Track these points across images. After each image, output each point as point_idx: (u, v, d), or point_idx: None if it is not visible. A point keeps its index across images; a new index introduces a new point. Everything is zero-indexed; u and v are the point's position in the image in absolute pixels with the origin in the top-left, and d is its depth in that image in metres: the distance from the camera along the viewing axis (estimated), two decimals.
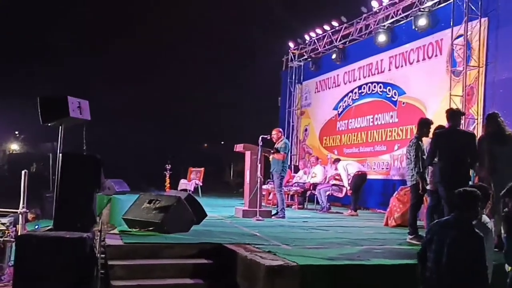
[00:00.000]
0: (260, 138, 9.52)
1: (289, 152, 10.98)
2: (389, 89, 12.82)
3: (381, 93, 13.15)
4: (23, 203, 7.75)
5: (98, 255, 6.60)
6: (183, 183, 15.52)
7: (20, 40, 28.77)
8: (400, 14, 12.65)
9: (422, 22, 11.27)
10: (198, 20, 31.41)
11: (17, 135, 31.41)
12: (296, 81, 17.84)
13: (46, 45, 29.98)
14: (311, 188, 12.46)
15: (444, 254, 3.84)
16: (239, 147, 10.06)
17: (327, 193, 11.65)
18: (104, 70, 30.06)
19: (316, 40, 16.56)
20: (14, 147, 31.18)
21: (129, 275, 5.48)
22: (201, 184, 15.60)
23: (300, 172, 13.79)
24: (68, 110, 6.69)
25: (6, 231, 7.69)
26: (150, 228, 6.78)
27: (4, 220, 7.96)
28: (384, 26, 12.95)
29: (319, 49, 16.39)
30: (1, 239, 7.53)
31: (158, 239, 6.30)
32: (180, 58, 32.96)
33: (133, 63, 31.33)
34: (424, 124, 7.43)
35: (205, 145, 41.28)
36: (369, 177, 11.91)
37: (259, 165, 9.42)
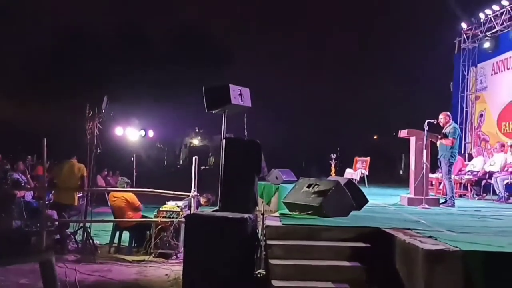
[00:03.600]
0: (426, 123, 8.98)
1: (460, 138, 10.19)
2: None
3: None
4: (195, 187, 8.37)
5: (262, 237, 6.86)
6: (348, 173, 15.36)
7: (198, 42, 31.02)
8: None
9: None
10: (363, 9, 30.89)
11: (197, 131, 34.01)
12: (470, 64, 16.54)
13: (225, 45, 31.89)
14: (487, 177, 11.43)
15: None
16: (403, 133, 9.61)
17: (505, 181, 10.58)
18: (275, 64, 31.10)
19: (492, 18, 15.18)
20: (195, 141, 33.82)
21: (286, 255, 5.56)
22: (367, 174, 15.28)
23: (474, 160, 12.74)
24: (230, 97, 7.04)
25: (181, 213, 8.38)
26: (309, 212, 6.81)
27: (180, 203, 8.69)
28: None
29: (496, 27, 15.00)
30: (176, 220, 8.22)
31: (316, 221, 6.30)
32: (347, 48, 32.72)
33: (304, 54, 31.95)
34: None
35: (375, 136, 40.36)
36: None
37: (424, 151, 8.90)
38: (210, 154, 28.34)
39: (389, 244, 5.33)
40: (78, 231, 8.55)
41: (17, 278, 6.35)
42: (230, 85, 7.11)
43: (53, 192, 9.30)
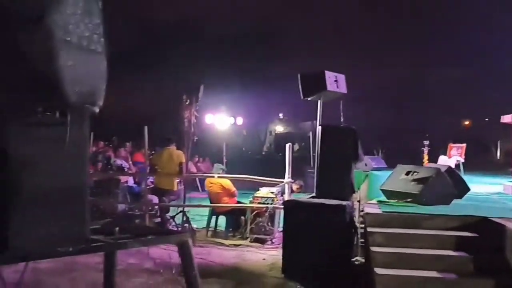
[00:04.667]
0: None
1: None
2: None
3: None
4: (289, 174, 8.44)
5: (358, 224, 6.82)
6: (442, 160, 14.81)
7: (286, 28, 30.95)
8: None
9: None
10: None
11: (281, 117, 34.11)
12: None
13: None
14: None
15: None
16: (506, 118, 9.14)
17: None
18: (358, 47, 30.46)
19: None
20: (279, 128, 33.96)
21: (387, 242, 5.49)
22: (463, 161, 14.67)
23: None
24: (325, 84, 7.01)
25: (275, 199, 8.50)
26: (408, 200, 6.67)
27: (273, 189, 8.80)
28: None
29: None
30: (271, 206, 8.35)
31: (417, 209, 6.16)
32: (433, 29, 31.36)
33: (387, 38, 31.05)
34: None
35: (467, 122, 38.65)
36: None
37: None
38: (294, 141, 28.40)
39: (498, 234, 5.13)
40: (177, 215, 8.91)
41: (126, 258, 6.73)
42: (325, 71, 7.07)
43: (152, 177, 9.75)
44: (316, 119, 7.62)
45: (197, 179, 15.19)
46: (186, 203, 9.05)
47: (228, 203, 8.89)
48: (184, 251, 2.24)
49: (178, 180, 9.76)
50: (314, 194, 7.05)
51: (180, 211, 8.78)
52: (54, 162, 1.99)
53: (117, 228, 2.47)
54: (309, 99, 7.34)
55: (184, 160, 9.07)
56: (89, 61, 2.05)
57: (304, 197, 7.65)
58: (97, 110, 2.07)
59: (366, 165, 13.59)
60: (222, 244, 8.17)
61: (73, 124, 2.04)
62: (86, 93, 1.99)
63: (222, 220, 9.13)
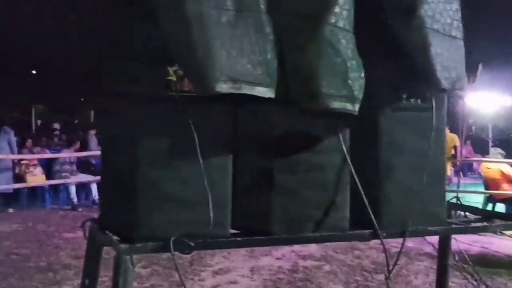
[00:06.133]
0: None
1: None
2: None
3: None
4: None
5: None
6: None
7: None
8: None
9: None
10: None
11: None
12: None
13: None
14: None
15: None
16: None
17: None
18: None
19: None
20: None
21: None
22: None
23: None
24: None
25: None
26: None
27: None
28: None
29: None
30: None
31: None
32: None
33: None
34: None
35: None
36: None
37: None
38: None
39: None
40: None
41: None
42: None
43: None
44: None
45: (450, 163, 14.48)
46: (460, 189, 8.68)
47: (508, 190, 8.27)
48: None
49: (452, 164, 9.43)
50: None
51: (454, 197, 8.45)
52: (420, 147, 2.10)
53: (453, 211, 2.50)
54: None
55: (458, 144, 8.73)
56: (452, 48, 2.10)
57: None
58: (463, 94, 2.10)
59: None
60: (502, 234, 7.62)
61: (435, 110, 2.12)
62: (454, 79, 2.05)
63: (498, 208, 8.54)
